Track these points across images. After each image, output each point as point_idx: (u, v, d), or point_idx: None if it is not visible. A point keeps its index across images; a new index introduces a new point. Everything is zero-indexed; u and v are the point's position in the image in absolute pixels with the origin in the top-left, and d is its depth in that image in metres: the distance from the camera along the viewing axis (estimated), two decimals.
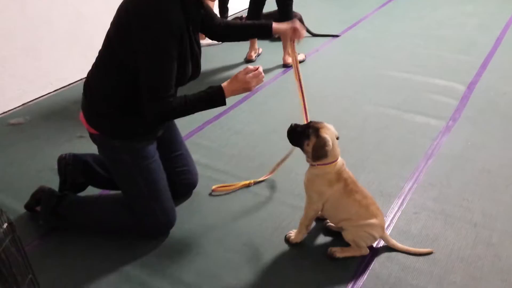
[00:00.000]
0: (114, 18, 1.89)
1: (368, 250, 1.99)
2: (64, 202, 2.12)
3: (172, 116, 1.95)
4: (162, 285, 1.88)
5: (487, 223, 2.16)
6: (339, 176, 1.93)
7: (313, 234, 2.12)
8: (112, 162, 2.06)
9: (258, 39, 2.26)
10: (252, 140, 2.91)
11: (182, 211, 2.27)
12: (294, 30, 2.16)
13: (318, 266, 1.95)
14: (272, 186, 2.47)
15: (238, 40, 2.33)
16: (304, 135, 1.92)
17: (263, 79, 1.99)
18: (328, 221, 2.14)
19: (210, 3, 1.85)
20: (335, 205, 1.96)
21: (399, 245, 2.00)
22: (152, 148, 2.05)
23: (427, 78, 3.65)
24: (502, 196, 2.33)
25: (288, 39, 2.21)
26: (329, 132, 1.91)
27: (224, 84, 1.93)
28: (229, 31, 2.20)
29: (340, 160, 1.95)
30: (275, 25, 2.16)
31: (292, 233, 2.08)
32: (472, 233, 2.10)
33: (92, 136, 2.04)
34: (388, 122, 3.07)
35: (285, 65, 3.95)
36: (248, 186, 2.46)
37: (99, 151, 2.09)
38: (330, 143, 1.87)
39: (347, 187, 1.93)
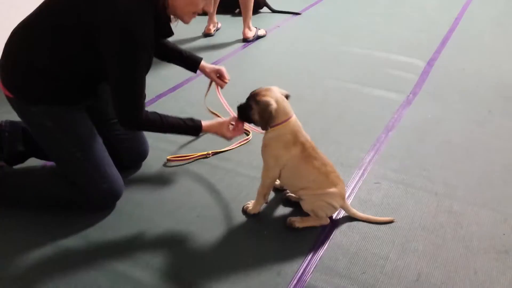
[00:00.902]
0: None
1: (329, 220, 1.90)
2: None
3: (143, 129, 1.93)
4: (106, 260, 1.73)
5: (448, 192, 2.12)
6: (296, 139, 1.82)
7: (271, 205, 2.02)
8: (33, 129, 1.87)
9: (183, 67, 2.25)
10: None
11: (131, 183, 2.12)
12: (220, 74, 2.25)
13: (277, 236, 1.85)
14: (230, 157, 2.35)
15: (163, 60, 2.19)
16: (248, 108, 1.84)
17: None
18: (287, 191, 2.05)
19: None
20: (293, 172, 1.86)
21: (360, 214, 1.92)
22: (79, 112, 1.88)
23: (388, 54, 3.62)
24: (462, 166, 2.30)
25: (211, 81, 2.29)
26: (270, 92, 1.82)
27: (205, 124, 1.96)
28: (160, 49, 2.08)
29: (294, 119, 1.84)
30: (202, 64, 2.22)
31: (250, 204, 1.97)
32: (433, 202, 2.06)
33: (9, 100, 1.84)
34: (349, 96, 3.00)
35: (245, 40, 3.83)
36: (205, 157, 2.33)
37: (20, 117, 1.89)
38: (272, 102, 1.77)
39: (305, 152, 1.83)
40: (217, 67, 2.24)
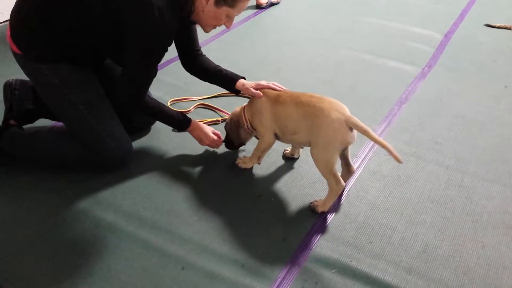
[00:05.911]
0: None
1: (343, 184, 1.78)
2: (7, 135, 1.92)
3: (140, 111, 1.92)
4: (116, 220, 1.74)
5: (459, 166, 2.09)
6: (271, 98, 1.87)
7: (279, 173, 2.01)
8: (40, 87, 1.86)
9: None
10: None
11: (140, 146, 2.11)
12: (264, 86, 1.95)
13: (284, 204, 1.85)
14: None
15: (202, 79, 2.14)
16: (234, 130, 2.00)
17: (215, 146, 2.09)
18: (286, 150, 2.09)
19: (204, 28, 1.84)
20: (278, 120, 1.84)
21: (372, 133, 1.68)
22: (86, 71, 1.87)
23: (404, 25, 3.53)
24: (475, 141, 2.27)
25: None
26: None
27: (195, 124, 2.00)
28: (202, 68, 2.08)
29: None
30: (241, 82, 2.02)
31: (244, 159, 2.01)
32: (444, 175, 2.03)
33: (16, 56, 1.82)
34: (363, 66, 2.95)
35: (258, 6, 3.75)
36: (215, 123, 2.31)
37: (26, 75, 1.88)
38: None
39: (271, 96, 1.86)
40: (257, 82, 1.96)
